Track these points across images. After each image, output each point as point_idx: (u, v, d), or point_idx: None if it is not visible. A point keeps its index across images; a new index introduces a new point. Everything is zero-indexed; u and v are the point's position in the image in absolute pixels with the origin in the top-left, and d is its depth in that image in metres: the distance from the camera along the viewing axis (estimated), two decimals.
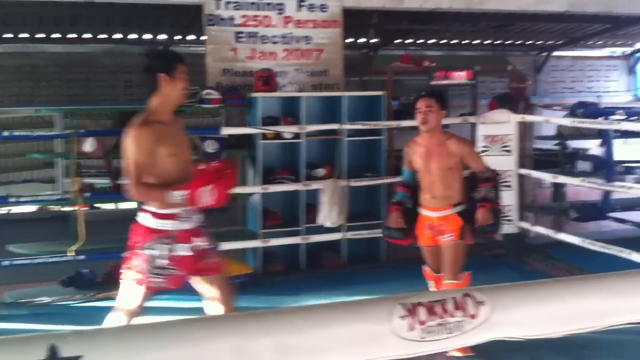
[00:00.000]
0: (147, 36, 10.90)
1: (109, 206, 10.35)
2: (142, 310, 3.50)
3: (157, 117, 3.49)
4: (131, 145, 3.39)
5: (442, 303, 1.35)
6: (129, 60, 11.37)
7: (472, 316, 1.37)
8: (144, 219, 3.50)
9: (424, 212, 4.49)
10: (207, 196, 3.38)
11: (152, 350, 1.21)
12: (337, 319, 1.32)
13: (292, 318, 1.32)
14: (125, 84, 11.56)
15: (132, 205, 10.21)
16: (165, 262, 3.42)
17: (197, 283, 3.65)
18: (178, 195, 3.36)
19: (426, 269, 4.67)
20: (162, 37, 10.97)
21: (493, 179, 4.45)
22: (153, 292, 3.54)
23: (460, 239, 4.36)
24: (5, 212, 10.62)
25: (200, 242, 3.56)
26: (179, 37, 10.90)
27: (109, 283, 6.02)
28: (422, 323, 1.34)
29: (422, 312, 1.34)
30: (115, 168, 6.72)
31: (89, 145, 6.01)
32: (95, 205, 10.02)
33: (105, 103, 11.27)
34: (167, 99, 3.53)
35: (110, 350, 1.18)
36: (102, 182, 9.67)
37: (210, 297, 3.65)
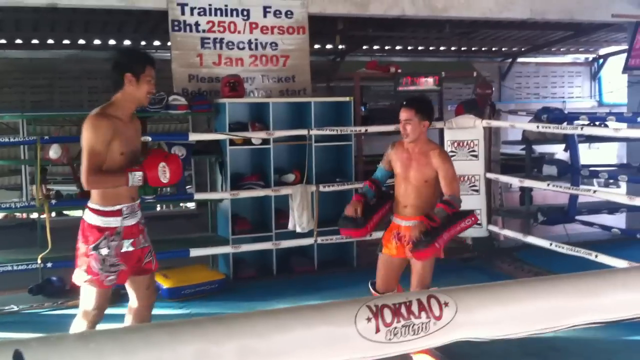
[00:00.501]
0: (112, 42, 10.81)
1: (77, 213, 10.23)
2: (104, 311, 3.54)
3: (116, 112, 3.48)
4: (89, 133, 3.38)
5: (406, 304, 1.36)
6: (93, 66, 11.26)
7: (437, 317, 1.38)
8: (89, 217, 3.50)
9: (394, 219, 4.37)
10: (163, 173, 3.44)
11: (116, 355, 1.20)
12: (301, 322, 1.32)
13: (256, 321, 1.31)
14: (89, 89, 11.45)
15: None
16: (114, 259, 3.45)
17: (129, 280, 3.67)
18: (136, 175, 3.39)
19: (372, 290, 4.42)
20: (127, 42, 10.88)
21: (452, 205, 4.14)
22: (109, 290, 3.56)
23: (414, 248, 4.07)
24: None
25: (141, 239, 3.62)
26: (144, 42, 10.81)
27: (78, 290, 5.95)
28: (387, 325, 1.35)
29: (387, 314, 1.35)
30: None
31: (53, 152, 5.93)
32: (64, 212, 9.91)
33: (69, 109, 11.13)
34: (128, 98, 3.52)
35: (75, 356, 1.17)
36: (69, 188, 9.57)
37: (132, 297, 3.72)
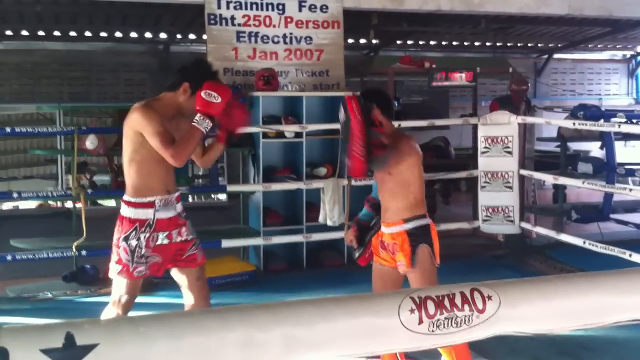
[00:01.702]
0: (148, 35, 10.92)
1: (111, 203, 10.38)
2: (133, 301, 3.53)
3: (159, 108, 3.46)
4: (144, 120, 3.35)
5: (450, 297, 1.36)
6: (129, 58, 11.42)
7: (480, 310, 1.38)
8: (123, 209, 3.51)
9: (381, 227, 3.73)
10: (209, 96, 3.35)
11: (165, 339, 1.23)
12: (346, 312, 1.34)
13: (302, 310, 1.33)
14: (125, 82, 11.59)
15: None
16: (145, 250, 3.44)
17: (175, 274, 3.67)
18: (199, 119, 3.35)
19: None
20: (163, 36, 10.99)
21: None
22: (140, 281, 3.56)
23: (412, 266, 3.50)
24: (10, 208, 10.64)
25: (178, 232, 3.56)
26: (180, 35, 10.91)
27: (111, 279, 6.05)
28: (430, 316, 1.35)
29: (430, 306, 1.36)
30: (116, 165, 6.76)
31: (90, 142, 6.03)
32: (98, 202, 10.06)
33: (105, 101, 11.29)
34: (175, 103, 3.50)
35: (125, 339, 1.20)
36: (104, 179, 9.70)
37: (186, 290, 3.68)
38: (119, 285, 3.51)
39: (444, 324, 1.35)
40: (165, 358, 1.22)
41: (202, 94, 3.36)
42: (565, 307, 1.46)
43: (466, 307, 1.36)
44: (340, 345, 1.31)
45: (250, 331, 1.25)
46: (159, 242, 3.48)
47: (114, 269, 3.51)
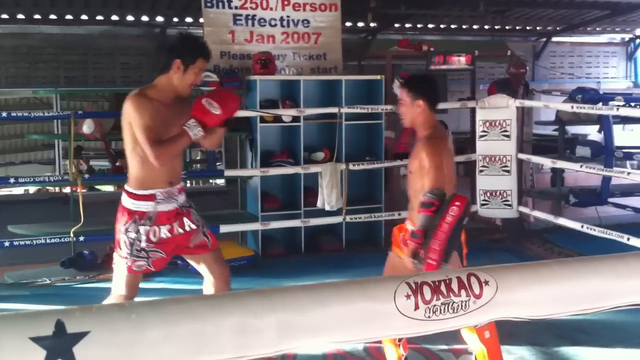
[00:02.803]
0: (145, 18, 10.85)
1: (109, 188, 10.36)
2: (135, 295, 3.44)
3: (156, 95, 3.34)
4: (134, 112, 3.24)
5: (446, 282, 1.35)
6: (126, 42, 11.34)
7: (477, 296, 1.37)
8: (123, 199, 3.41)
9: (407, 223, 3.54)
10: (210, 105, 3.20)
11: (158, 325, 1.21)
12: (341, 297, 1.32)
13: (296, 296, 1.32)
14: (122, 66, 11.53)
15: None
16: (144, 244, 3.34)
17: (192, 262, 3.61)
18: (191, 124, 3.19)
19: None
20: (160, 19, 10.92)
21: (427, 205, 3.25)
22: (140, 275, 3.48)
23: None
24: (7, 193, 10.61)
25: (179, 225, 3.45)
26: (177, 19, 10.84)
27: (110, 264, 6.04)
28: (427, 302, 1.34)
29: (427, 291, 1.34)
30: (114, 150, 6.73)
31: (86, 126, 6.00)
32: (95, 187, 10.04)
33: (102, 85, 11.24)
34: (170, 85, 3.36)
35: (117, 326, 1.19)
36: (101, 164, 9.68)
37: (206, 275, 3.60)
38: (119, 277, 3.45)
39: (440, 309, 1.34)
40: (158, 345, 1.20)
41: (203, 100, 3.20)
42: (563, 292, 1.44)
43: (463, 292, 1.35)
44: (336, 331, 1.29)
45: (245, 317, 1.24)
46: (161, 236, 3.38)
47: (115, 258, 3.46)
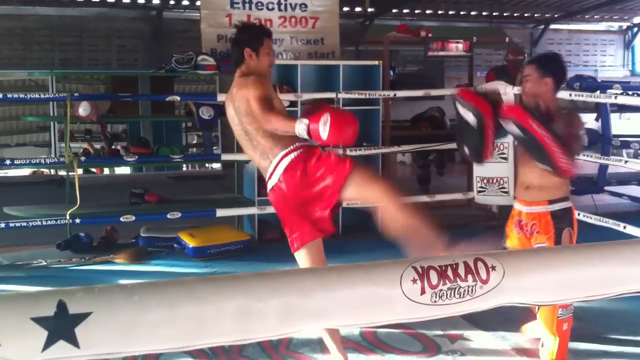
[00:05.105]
0: (140, 0, 10.76)
1: (105, 171, 10.32)
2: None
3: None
4: (252, 87, 3.31)
5: (453, 267, 1.33)
6: (121, 24, 11.27)
7: (484, 281, 1.35)
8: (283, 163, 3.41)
9: (515, 204, 3.67)
10: (323, 125, 3.03)
11: (159, 307, 1.19)
12: (346, 281, 1.30)
13: (300, 279, 1.30)
14: (117, 48, 11.45)
15: (126, 170, 10.25)
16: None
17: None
18: (302, 124, 3.11)
19: None
20: (156, 1, 10.84)
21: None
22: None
23: None
24: (2, 175, 10.57)
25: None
26: (173, 1, 10.76)
27: (105, 247, 6.03)
28: (433, 287, 1.33)
29: (433, 276, 1.33)
30: (109, 133, 6.70)
31: (82, 109, 5.96)
32: (91, 169, 10.00)
33: (97, 68, 11.17)
34: (252, 72, 3.47)
35: (119, 308, 1.17)
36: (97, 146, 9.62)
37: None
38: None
39: (446, 294, 1.32)
40: (160, 327, 1.18)
41: (323, 116, 3.03)
42: (570, 278, 1.43)
43: (470, 277, 1.33)
44: (340, 316, 1.28)
45: (248, 300, 1.22)
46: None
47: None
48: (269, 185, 3.53)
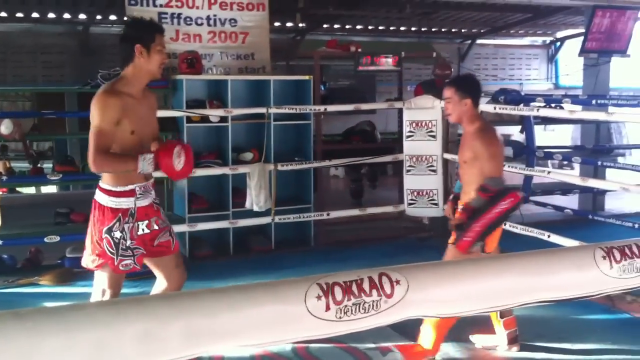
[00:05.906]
0: (67, 15, 10.52)
1: (29, 190, 10.00)
2: (119, 294, 3.37)
3: (127, 89, 3.26)
4: (96, 111, 3.15)
5: (358, 282, 1.34)
6: (47, 40, 10.98)
7: (388, 295, 1.36)
8: (101, 197, 3.28)
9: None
10: (178, 157, 3.18)
11: (55, 334, 1.15)
12: (250, 301, 1.29)
13: (203, 300, 1.28)
14: (43, 64, 11.16)
15: (51, 189, 9.96)
16: (129, 242, 3.25)
17: (151, 263, 3.48)
18: (147, 159, 3.12)
19: None
20: (82, 16, 10.61)
21: (486, 190, 3.71)
22: (123, 275, 3.38)
23: (455, 242, 3.82)
24: None
25: (155, 220, 3.39)
26: (100, 16, 10.55)
27: (30, 268, 5.84)
28: (338, 303, 1.32)
29: (338, 292, 1.33)
30: (34, 151, 6.50)
31: (4, 127, 5.79)
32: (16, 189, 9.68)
33: (22, 84, 10.85)
34: (140, 71, 3.29)
35: (12, 336, 1.12)
36: (21, 165, 9.33)
37: (161, 279, 3.51)
38: (102, 279, 3.31)
39: (351, 309, 1.32)
40: (57, 355, 1.14)
41: (176, 149, 3.18)
42: (474, 290, 1.46)
43: (374, 292, 1.34)
44: (245, 335, 1.27)
45: (149, 324, 1.19)
46: (140, 233, 3.30)
47: (94, 262, 3.30)
48: None
